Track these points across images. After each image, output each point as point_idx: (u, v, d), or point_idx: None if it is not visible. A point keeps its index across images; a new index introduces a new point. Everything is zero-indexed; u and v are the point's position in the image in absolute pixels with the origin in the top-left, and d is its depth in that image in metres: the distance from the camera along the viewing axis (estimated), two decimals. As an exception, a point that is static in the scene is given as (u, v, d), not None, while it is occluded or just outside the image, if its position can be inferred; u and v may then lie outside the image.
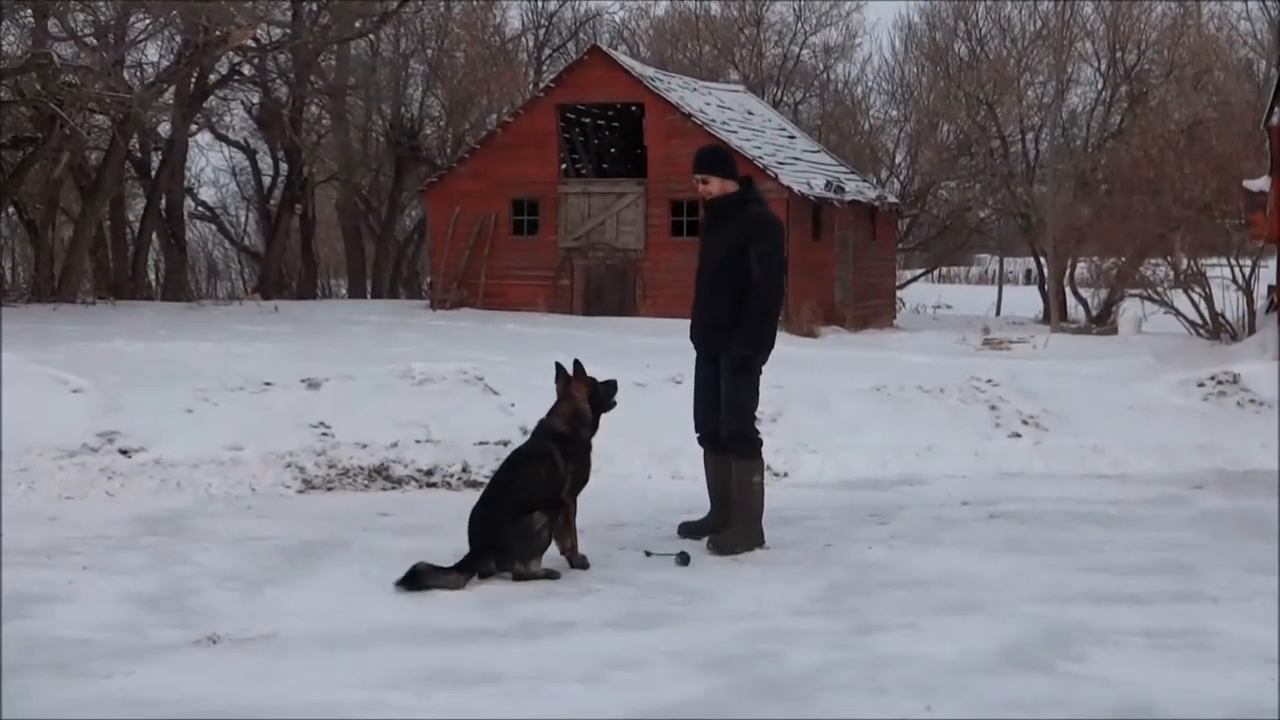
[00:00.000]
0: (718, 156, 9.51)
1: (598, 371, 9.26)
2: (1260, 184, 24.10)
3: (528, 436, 9.22)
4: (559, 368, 9.01)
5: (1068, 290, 43.19)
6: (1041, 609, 7.52)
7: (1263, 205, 23.42)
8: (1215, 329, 29.42)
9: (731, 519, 9.22)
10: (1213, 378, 15.61)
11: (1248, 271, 30.64)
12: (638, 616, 7.45)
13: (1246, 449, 13.05)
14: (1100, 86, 51.22)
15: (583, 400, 8.87)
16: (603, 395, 8.98)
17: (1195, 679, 6.32)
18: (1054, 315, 40.38)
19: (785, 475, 11.79)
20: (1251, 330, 27.87)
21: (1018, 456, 12.77)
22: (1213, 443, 13.19)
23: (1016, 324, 39.63)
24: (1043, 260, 45.90)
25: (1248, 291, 30.40)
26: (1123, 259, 37.38)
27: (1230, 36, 53.72)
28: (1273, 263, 26.59)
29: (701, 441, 9.58)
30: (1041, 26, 51.57)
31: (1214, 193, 30.94)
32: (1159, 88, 48.18)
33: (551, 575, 8.29)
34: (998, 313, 47.47)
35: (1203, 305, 30.08)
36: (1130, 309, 36.10)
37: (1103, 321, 38.80)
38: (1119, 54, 50.48)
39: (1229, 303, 30.46)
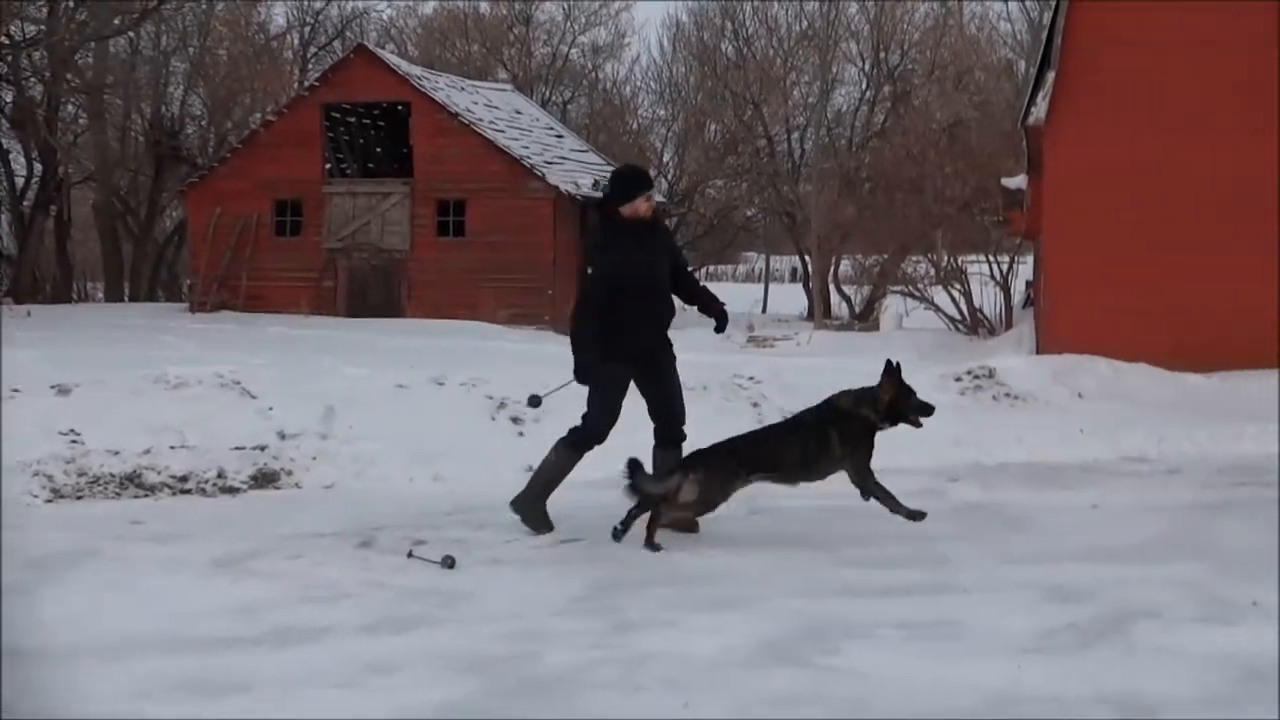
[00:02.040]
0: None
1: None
2: (1018, 182, 24.76)
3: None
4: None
5: (832, 287, 43.91)
6: (799, 604, 7.57)
7: (1020, 203, 24.08)
8: (974, 324, 30.14)
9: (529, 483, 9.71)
10: (969, 372, 15.96)
11: (1006, 268, 31.44)
12: (396, 620, 7.34)
13: (1000, 442, 13.32)
14: (864, 86, 52.16)
15: (887, 394, 9.35)
16: (905, 405, 9.44)
17: (947, 670, 6.39)
18: (818, 312, 41.02)
19: (549, 474, 11.73)
20: (1009, 325, 28.63)
21: (780, 452, 12.85)
22: (968, 436, 13.43)
23: (782, 321, 40.13)
24: (807, 258, 46.58)
25: (1005, 287, 31.22)
26: (885, 256, 38.13)
27: (991, 37, 55.19)
28: (1030, 259, 27.32)
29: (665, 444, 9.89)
30: (807, 27, 52.33)
31: (974, 191, 31.67)
32: (922, 87, 49.16)
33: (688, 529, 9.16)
34: (764, 310, 48.00)
35: (962, 301, 30.79)
36: (892, 305, 36.81)
37: (865, 318, 39.55)
38: (883, 54, 51.43)
39: (987, 298, 31.20)
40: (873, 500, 9.29)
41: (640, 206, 9.59)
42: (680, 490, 9.02)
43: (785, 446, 9.35)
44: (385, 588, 8.03)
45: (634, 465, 9.12)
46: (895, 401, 9.33)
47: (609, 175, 10.48)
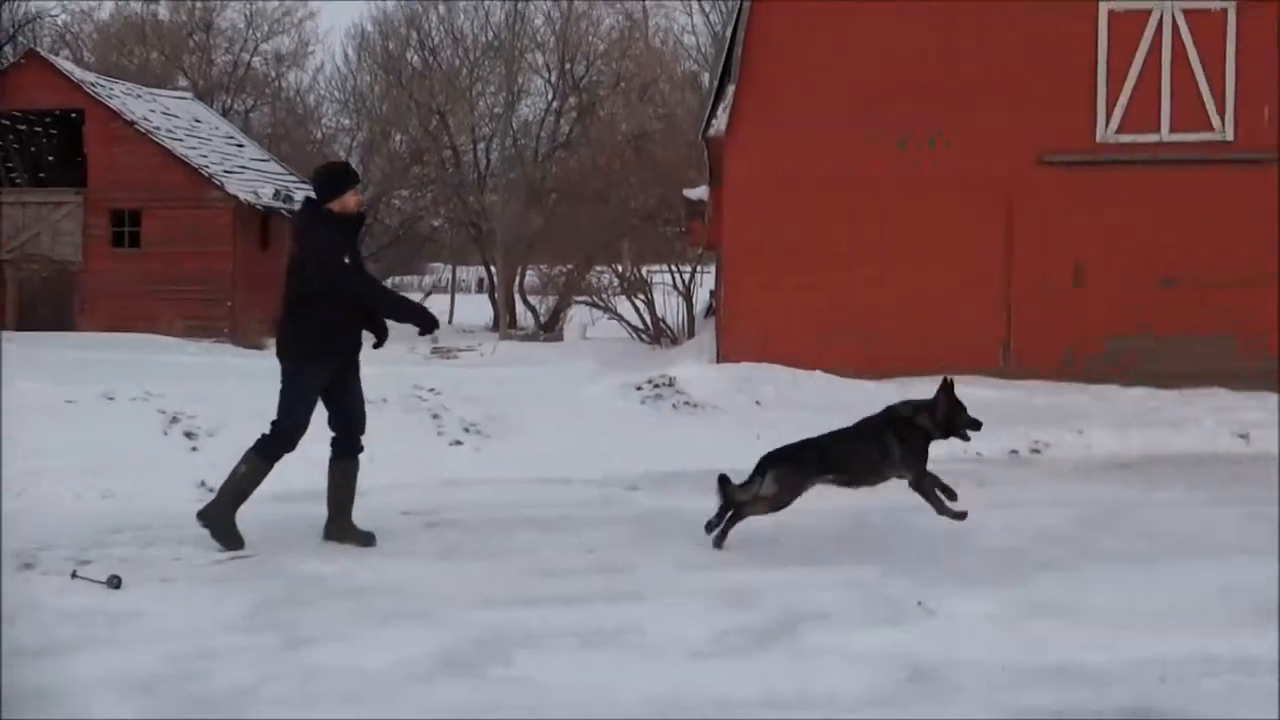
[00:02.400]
0: None
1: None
2: (699, 193, 25.21)
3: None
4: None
5: (517, 298, 44.06)
6: (475, 614, 7.53)
7: (702, 213, 24.48)
8: (657, 334, 30.51)
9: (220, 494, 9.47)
10: (650, 381, 16.14)
11: (688, 278, 31.93)
12: (59, 643, 7.08)
13: (679, 449, 13.45)
14: (550, 97, 52.39)
15: (943, 409, 9.58)
16: (959, 419, 9.62)
17: (621, 676, 6.44)
18: (503, 323, 41.11)
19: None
20: (691, 335, 29.08)
21: (460, 464, 12.82)
22: (649, 444, 13.55)
23: (467, 332, 40.06)
24: (493, 268, 46.61)
25: (688, 297, 31.70)
26: (570, 267, 38.38)
27: (676, 50, 55.97)
28: (713, 269, 27.80)
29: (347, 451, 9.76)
30: (493, 37, 52.35)
31: (658, 202, 32.13)
32: (607, 99, 49.62)
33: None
34: (450, 321, 47.89)
35: (645, 311, 31.17)
36: (577, 316, 37.12)
37: (550, 328, 39.75)
38: (569, 65, 51.69)
39: (670, 308, 31.62)
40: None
41: (350, 201, 9.51)
42: (761, 485, 9.31)
43: (854, 450, 9.55)
44: (45, 610, 7.73)
45: (723, 480, 9.36)
46: (950, 415, 9.60)
47: (315, 172, 10.20)
